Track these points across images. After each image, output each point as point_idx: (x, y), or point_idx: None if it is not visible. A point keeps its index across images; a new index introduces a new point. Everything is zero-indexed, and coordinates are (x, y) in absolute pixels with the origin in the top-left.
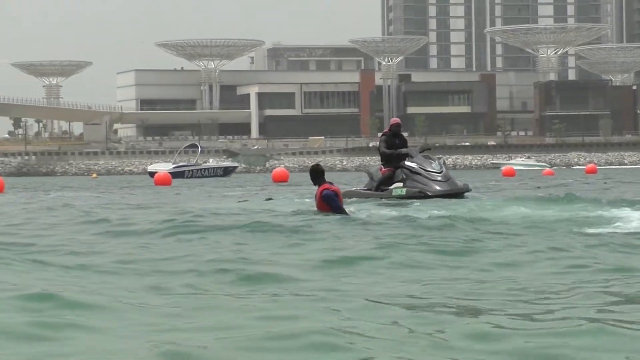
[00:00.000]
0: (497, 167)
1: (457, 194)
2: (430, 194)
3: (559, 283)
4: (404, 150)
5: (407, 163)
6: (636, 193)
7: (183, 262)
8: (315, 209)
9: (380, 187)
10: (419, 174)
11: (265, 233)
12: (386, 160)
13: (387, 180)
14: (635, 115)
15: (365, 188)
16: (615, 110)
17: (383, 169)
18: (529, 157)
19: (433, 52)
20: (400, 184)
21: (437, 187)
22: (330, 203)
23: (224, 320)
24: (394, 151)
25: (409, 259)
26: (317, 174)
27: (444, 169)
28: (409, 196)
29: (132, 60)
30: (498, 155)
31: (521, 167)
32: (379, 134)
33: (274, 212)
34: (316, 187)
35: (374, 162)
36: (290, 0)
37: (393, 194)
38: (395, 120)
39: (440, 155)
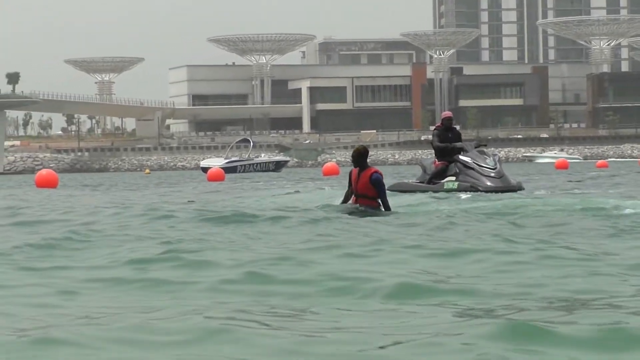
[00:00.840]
0: (530, 160)
1: (509, 191)
2: (481, 189)
3: None
4: (458, 144)
5: (461, 157)
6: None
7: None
8: (347, 200)
9: (432, 180)
10: (473, 168)
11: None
12: (440, 154)
13: (440, 174)
14: None
15: (418, 181)
16: None
17: (436, 162)
18: (561, 150)
19: (485, 44)
20: (453, 178)
21: (489, 183)
22: (380, 187)
23: None
24: (448, 145)
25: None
26: (363, 156)
27: (498, 165)
28: (460, 190)
29: (184, 56)
30: (532, 148)
31: (551, 160)
32: (431, 128)
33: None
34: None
35: (426, 155)
36: None
37: (445, 187)
38: (446, 113)
39: (495, 153)
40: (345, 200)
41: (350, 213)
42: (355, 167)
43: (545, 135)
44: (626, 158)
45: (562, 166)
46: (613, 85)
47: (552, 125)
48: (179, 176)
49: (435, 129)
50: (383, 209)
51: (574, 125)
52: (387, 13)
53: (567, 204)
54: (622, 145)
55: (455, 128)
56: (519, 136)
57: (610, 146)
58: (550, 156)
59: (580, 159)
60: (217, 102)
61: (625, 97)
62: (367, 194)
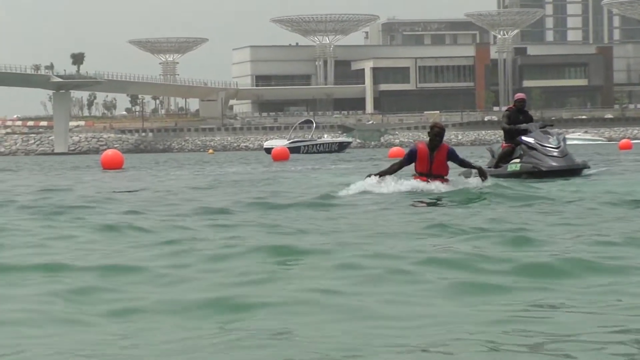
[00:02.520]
0: None
1: (573, 170)
2: (544, 169)
3: None
4: (523, 125)
5: (524, 138)
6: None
7: None
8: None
9: (498, 163)
10: (535, 149)
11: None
12: (507, 136)
13: (506, 157)
14: None
15: (487, 166)
16: None
17: (503, 145)
18: (586, 132)
19: (549, 24)
20: (517, 160)
21: (553, 163)
22: (459, 158)
23: None
24: (513, 126)
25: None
26: (443, 135)
27: (562, 144)
28: (523, 172)
29: (247, 37)
30: (596, 129)
31: (577, 142)
32: (496, 109)
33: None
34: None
35: (489, 136)
36: None
37: (508, 170)
38: (520, 95)
39: (561, 131)
40: (390, 172)
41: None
42: (430, 145)
43: (610, 116)
44: None
45: (626, 147)
46: None
47: (616, 106)
48: (247, 156)
49: (506, 110)
50: (479, 176)
51: (639, 105)
52: None
53: None
54: None
55: (527, 111)
56: (584, 117)
57: None
58: (575, 138)
59: (604, 141)
60: (280, 82)
61: None
62: (442, 173)
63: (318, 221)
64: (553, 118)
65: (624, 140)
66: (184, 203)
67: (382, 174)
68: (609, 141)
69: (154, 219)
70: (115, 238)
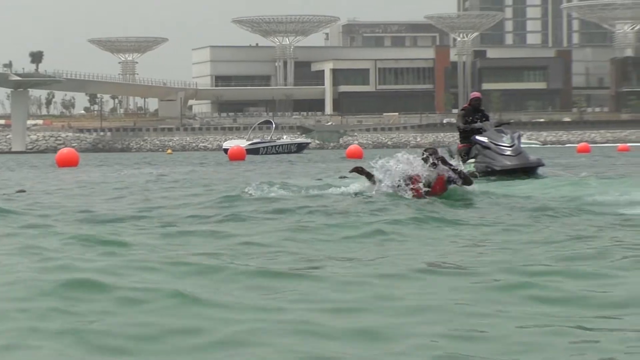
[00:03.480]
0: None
1: (527, 169)
2: (497, 169)
3: None
4: (477, 124)
5: (478, 137)
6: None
7: None
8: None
9: None
10: (489, 148)
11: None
12: (462, 135)
13: (462, 157)
14: None
15: None
16: None
17: (459, 145)
18: (522, 135)
19: (509, 28)
20: (473, 160)
21: (506, 162)
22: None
23: None
24: (468, 126)
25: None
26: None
27: (516, 142)
28: (477, 171)
29: (207, 37)
30: (554, 132)
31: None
32: (454, 111)
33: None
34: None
35: (448, 138)
36: None
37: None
38: (475, 94)
39: (517, 131)
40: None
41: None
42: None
43: (568, 119)
44: None
45: (584, 150)
46: (637, 70)
47: (575, 109)
48: (202, 156)
49: (461, 110)
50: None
51: (597, 109)
52: None
53: None
54: None
55: (483, 110)
56: (542, 120)
57: (632, 130)
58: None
59: (539, 145)
60: (240, 83)
61: None
62: (437, 194)
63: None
64: (512, 120)
65: (582, 144)
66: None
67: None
68: (543, 144)
69: None
70: None
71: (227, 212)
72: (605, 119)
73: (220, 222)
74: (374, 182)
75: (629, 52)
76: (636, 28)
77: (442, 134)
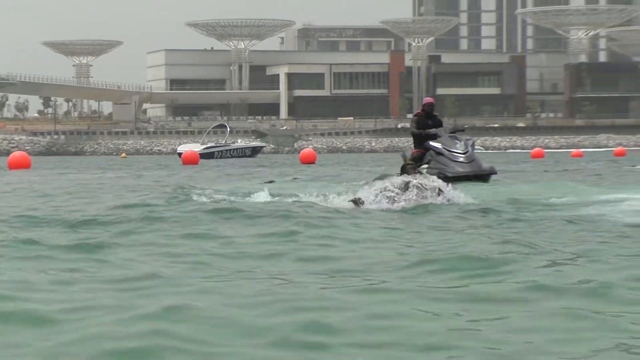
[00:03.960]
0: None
1: (480, 176)
2: (449, 175)
3: None
4: (432, 130)
5: (432, 143)
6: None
7: None
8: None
9: None
10: (442, 154)
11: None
12: (416, 141)
13: (416, 162)
14: None
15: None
16: None
17: (413, 151)
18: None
19: (463, 33)
20: (426, 166)
21: (459, 168)
22: None
23: None
24: (422, 131)
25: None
26: None
27: (469, 149)
28: None
29: (162, 40)
30: (508, 137)
31: None
32: (409, 116)
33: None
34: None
35: (402, 143)
36: None
37: None
38: (428, 99)
39: (470, 137)
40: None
41: None
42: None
43: (522, 125)
44: (602, 148)
45: (538, 155)
46: (590, 76)
47: (529, 115)
48: (156, 160)
49: (415, 115)
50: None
51: (551, 114)
52: (366, 0)
53: None
54: (598, 135)
55: (436, 115)
56: (496, 125)
57: (586, 136)
58: None
59: (482, 150)
60: (195, 87)
61: (602, 87)
62: None
63: None
64: (466, 126)
65: (536, 149)
66: None
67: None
68: (486, 150)
69: None
70: None
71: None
72: (559, 125)
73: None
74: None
75: (583, 58)
76: (590, 34)
77: (396, 139)
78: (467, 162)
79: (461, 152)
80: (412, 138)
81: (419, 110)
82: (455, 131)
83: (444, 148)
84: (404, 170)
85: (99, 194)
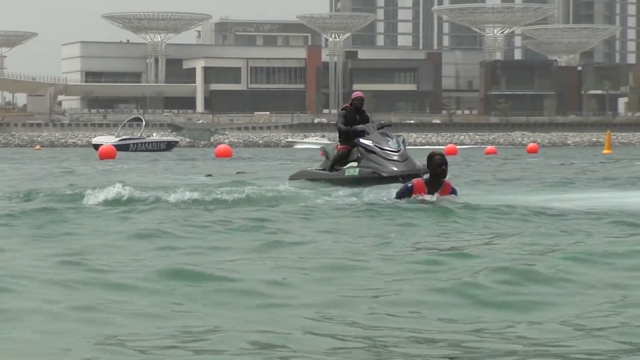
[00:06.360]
0: (292, 145)
1: (414, 175)
2: (384, 175)
3: None
4: (360, 126)
5: (362, 140)
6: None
7: None
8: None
9: (334, 166)
10: (374, 152)
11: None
12: (343, 137)
13: (341, 159)
14: (580, 96)
15: (320, 168)
16: (560, 91)
17: (339, 147)
18: (323, 136)
19: (380, 29)
20: (355, 164)
21: (393, 168)
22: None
23: None
24: (349, 127)
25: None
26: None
27: (402, 147)
28: (362, 177)
29: (77, 32)
30: (424, 134)
31: (315, 146)
32: (325, 111)
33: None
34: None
35: (318, 139)
36: None
37: (345, 174)
38: (358, 93)
39: (400, 134)
40: None
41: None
42: (431, 180)
43: (437, 121)
44: (516, 145)
45: (451, 152)
46: (505, 73)
47: (444, 112)
48: (71, 152)
49: (342, 110)
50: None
51: (466, 111)
52: None
53: None
54: (512, 132)
55: (364, 111)
56: (412, 121)
57: (501, 133)
58: (311, 142)
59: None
60: (110, 79)
61: (517, 85)
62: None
63: None
64: (382, 122)
65: (449, 146)
66: None
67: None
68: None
69: None
70: None
71: None
72: (474, 122)
73: None
74: None
75: (498, 56)
76: (506, 32)
77: (312, 134)
78: (401, 160)
79: (394, 150)
80: (330, 133)
81: (347, 105)
82: (383, 127)
83: (376, 146)
84: (331, 168)
85: None
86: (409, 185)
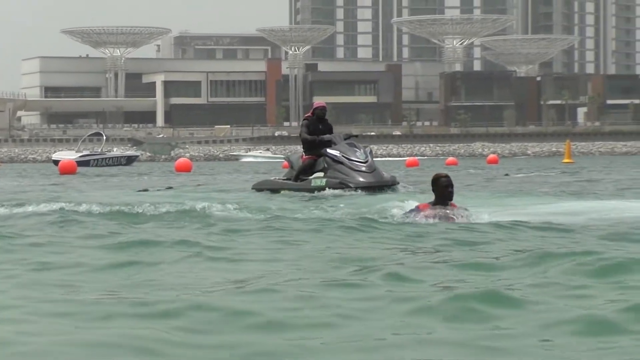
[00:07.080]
0: (237, 159)
1: (382, 187)
2: (352, 186)
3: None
4: (327, 136)
5: (329, 151)
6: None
7: None
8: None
9: (299, 176)
10: (342, 163)
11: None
12: (307, 147)
13: (307, 169)
14: (539, 107)
15: (285, 178)
16: (520, 101)
17: (304, 157)
18: (267, 150)
19: (340, 41)
20: (321, 174)
21: (361, 179)
22: None
23: None
24: (315, 137)
25: None
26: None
27: (369, 158)
28: (329, 187)
29: (36, 47)
30: (384, 145)
31: (261, 160)
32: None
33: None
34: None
35: (279, 151)
36: None
37: (312, 185)
38: (320, 103)
39: (367, 145)
40: None
41: None
42: (438, 202)
43: (398, 133)
44: (477, 156)
45: (413, 164)
46: (465, 84)
47: (405, 123)
48: (31, 169)
49: (304, 119)
50: None
51: (427, 123)
52: (243, 8)
53: None
54: (473, 143)
55: (327, 120)
56: (372, 133)
57: (461, 144)
58: (254, 155)
59: (285, 159)
60: (70, 94)
61: (476, 96)
62: None
63: None
64: (357, 134)
65: (410, 158)
66: None
67: None
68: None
69: None
70: None
71: None
72: (434, 133)
73: None
74: None
75: (457, 67)
76: (465, 43)
77: (274, 147)
78: (369, 171)
79: (362, 161)
80: (293, 145)
81: (309, 114)
82: (349, 137)
83: (343, 156)
84: (296, 178)
85: None
86: (415, 208)
